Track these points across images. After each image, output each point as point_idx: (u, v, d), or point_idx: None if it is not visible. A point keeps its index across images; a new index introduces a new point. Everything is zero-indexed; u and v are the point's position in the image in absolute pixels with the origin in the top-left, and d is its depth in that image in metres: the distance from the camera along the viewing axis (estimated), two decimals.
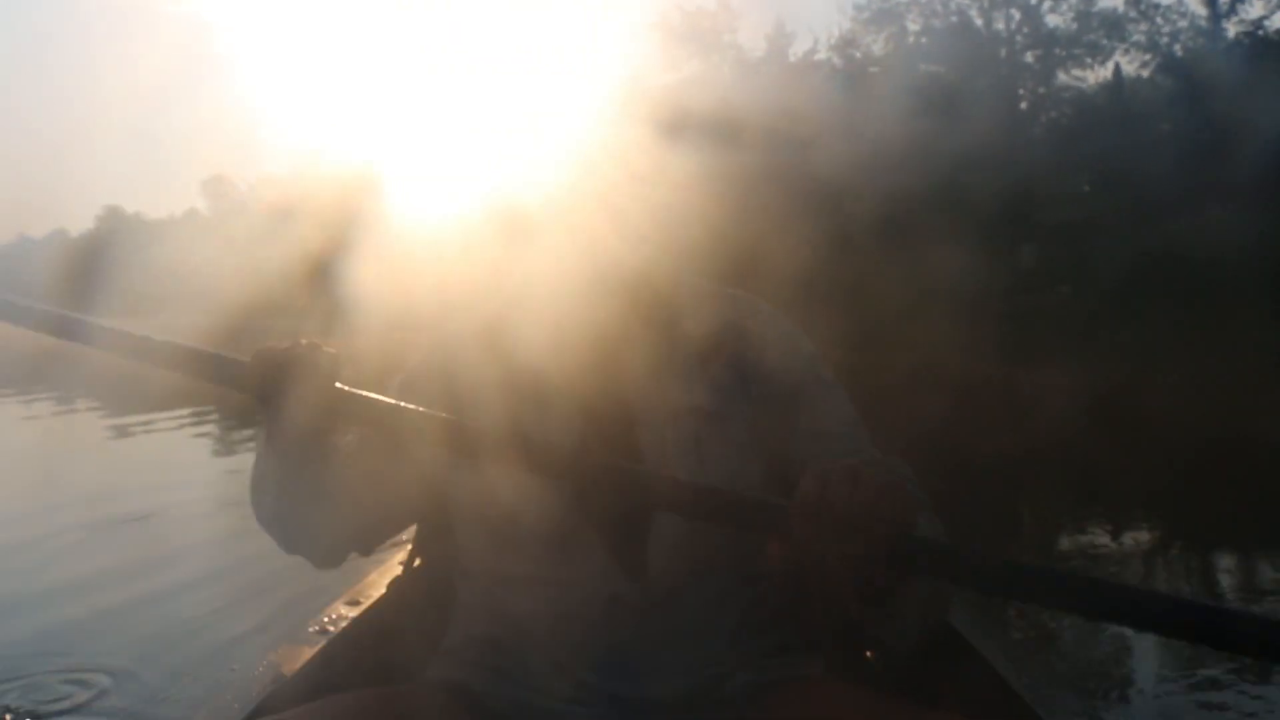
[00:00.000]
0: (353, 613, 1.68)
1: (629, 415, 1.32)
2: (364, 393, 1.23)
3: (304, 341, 1.25)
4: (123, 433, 10.67)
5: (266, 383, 1.23)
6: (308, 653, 1.55)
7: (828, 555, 0.94)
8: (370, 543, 1.43)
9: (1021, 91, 28.96)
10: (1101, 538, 5.40)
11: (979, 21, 29.74)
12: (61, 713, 3.16)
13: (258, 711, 1.34)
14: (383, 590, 1.75)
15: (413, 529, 1.73)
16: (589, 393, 1.30)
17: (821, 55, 28.89)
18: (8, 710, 3.17)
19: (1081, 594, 1.00)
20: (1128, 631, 3.91)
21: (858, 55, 28.00)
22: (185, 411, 11.00)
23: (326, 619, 1.65)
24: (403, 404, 1.22)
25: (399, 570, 1.73)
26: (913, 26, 29.93)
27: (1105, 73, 27.93)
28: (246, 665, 1.52)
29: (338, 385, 1.23)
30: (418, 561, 1.73)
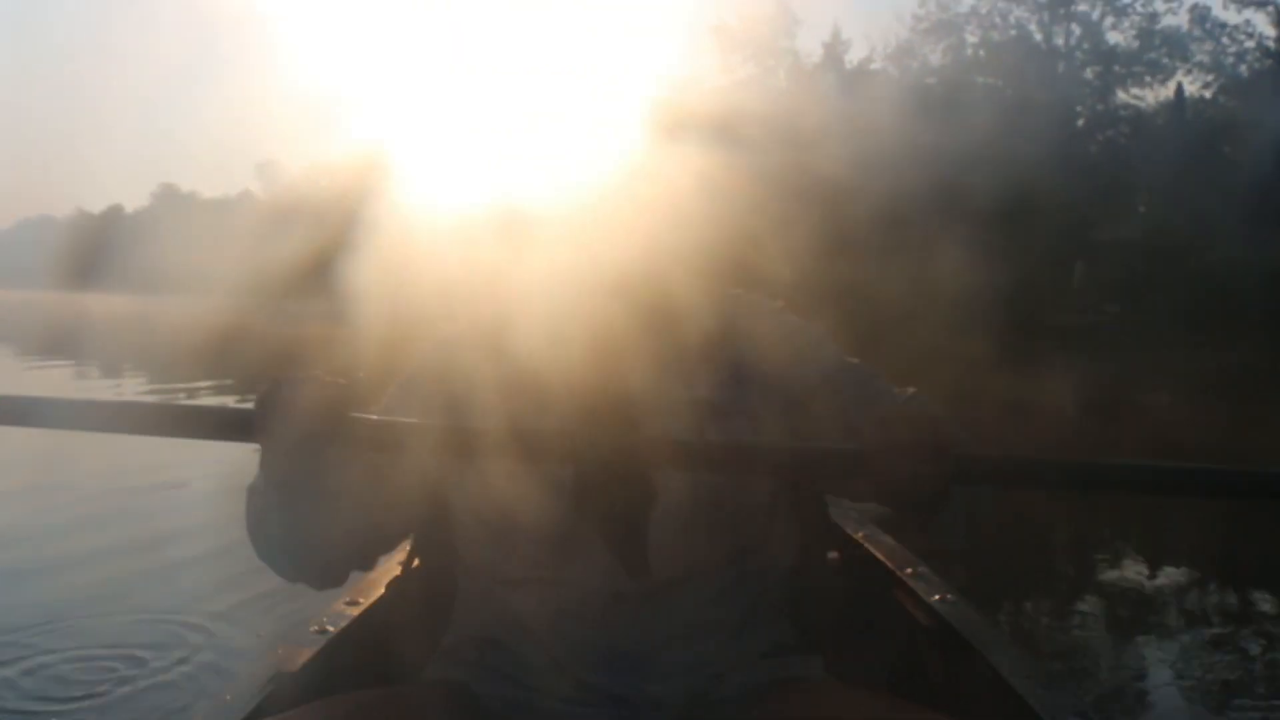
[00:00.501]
0: (353, 613, 1.67)
1: (630, 414, 1.30)
2: (378, 418, 1.22)
3: (312, 374, 1.22)
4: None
5: (276, 416, 1.18)
6: (308, 653, 1.53)
7: (903, 483, 1.13)
8: (373, 552, 1.42)
9: (1079, 108, 28.66)
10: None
11: (1038, 36, 29.50)
12: (61, 713, 3.15)
13: (258, 711, 1.33)
14: (383, 590, 1.74)
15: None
16: (590, 392, 1.28)
17: (877, 64, 28.78)
18: (6, 711, 3.17)
19: (1100, 475, 1.24)
20: (1128, 631, 3.98)
21: (914, 65, 27.85)
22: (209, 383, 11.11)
23: (326, 619, 1.63)
24: (415, 422, 1.22)
25: (399, 570, 1.72)
26: (971, 39, 29.77)
27: (1166, 92, 27.58)
28: (246, 665, 1.50)
29: (354, 415, 1.20)
30: (417, 561, 1.73)
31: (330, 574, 1.37)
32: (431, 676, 1.37)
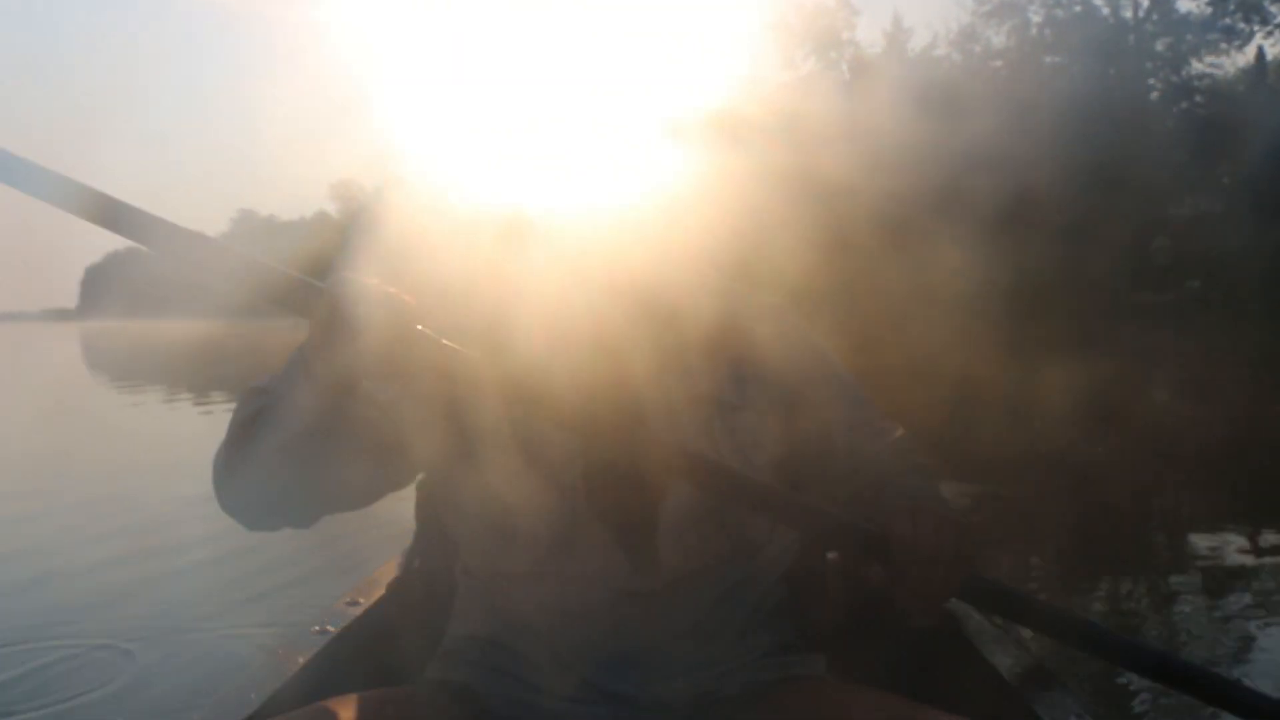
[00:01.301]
0: (353, 613, 1.67)
1: (632, 412, 1.29)
2: (444, 340, 1.13)
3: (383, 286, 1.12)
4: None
5: (340, 313, 1.08)
6: (308, 653, 1.54)
7: (916, 583, 1.13)
8: (359, 503, 1.28)
9: (1153, 81, 27.88)
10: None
11: (1105, 10, 28.75)
12: (60, 713, 3.16)
13: (258, 712, 1.33)
14: (383, 590, 1.74)
15: (412, 529, 1.71)
16: (591, 390, 1.26)
17: (940, 51, 28.34)
18: (5, 712, 3.18)
19: (1114, 649, 1.26)
20: (1128, 630, 3.86)
21: (977, 49, 27.38)
22: None
23: (326, 619, 1.64)
24: (477, 352, 1.15)
25: (399, 570, 1.72)
26: (1035, 18, 29.13)
27: (1245, 58, 26.66)
28: (246, 665, 1.51)
29: (419, 328, 1.12)
30: (417, 562, 1.73)
31: (297, 513, 1.25)
32: (432, 676, 1.37)
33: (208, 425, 11.50)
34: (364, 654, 1.62)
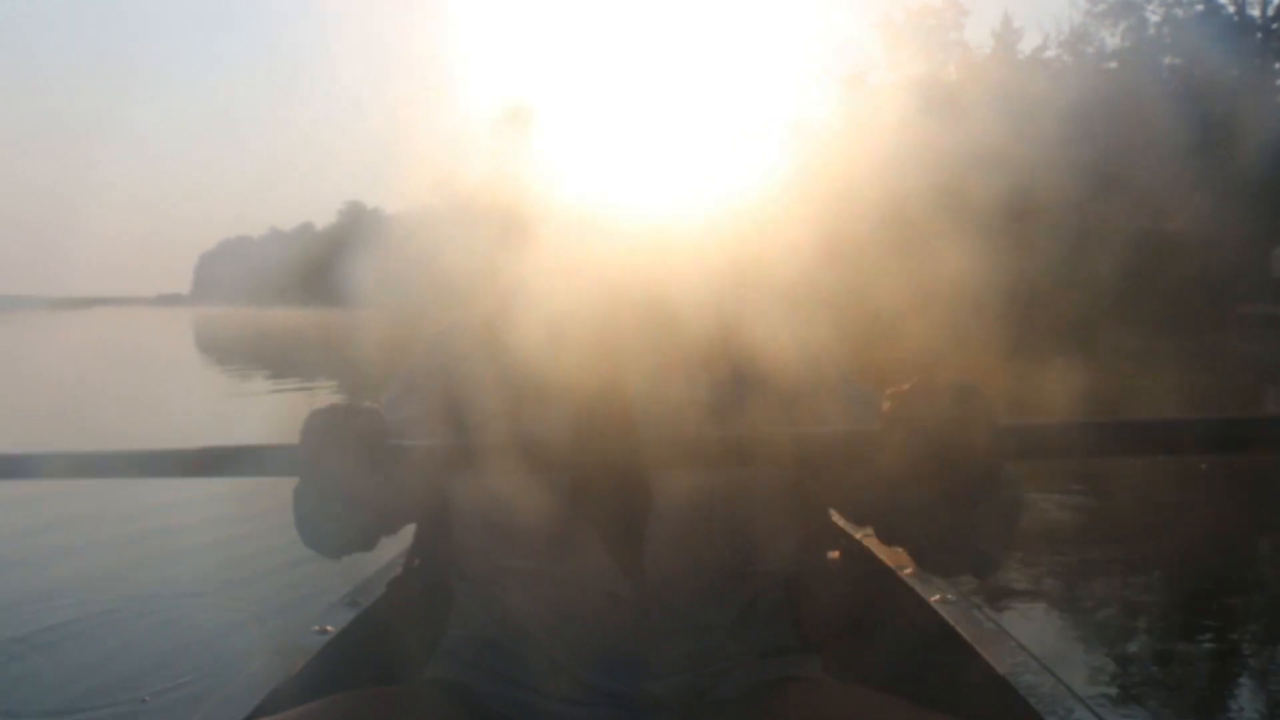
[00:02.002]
0: (353, 613, 1.69)
1: (630, 413, 1.29)
2: (412, 443, 1.24)
3: (344, 405, 1.24)
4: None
5: (322, 453, 1.20)
6: (308, 653, 1.55)
7: (932, 459, 1.04)
8: (395, 527, 1.43)
9: None
10: None
11: (1230, 8, 27.64)
12: (59, 712, 3.19)
13: (258, 711, 1.34)
14: (383, 590, 1.74)
15: (412, 529, 1.69)
16: (589, 391, 1.27)
17: (1051, 52, 27.58)
18: (7, 713, 3.21)
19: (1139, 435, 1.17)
20: (1129, 629, 3.98)
21: (1090, 50, 26.59)
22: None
23: (326, 619, 1.65)
24: (438, 444, 1.25)
25: (399, 570, 1.71)
26: (1153, 17, 28.14)
27: None
28: (247, 665, 1.53)
29: (389, 443, 1.21)
30: (417, 562, 1.71)
31: (369, 544, 1.38)
32: (431, 676, 1.37)
33: (272, 407, 11.86)
34: (364, 654, 1.64)
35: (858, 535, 1.91)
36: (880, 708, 1.23)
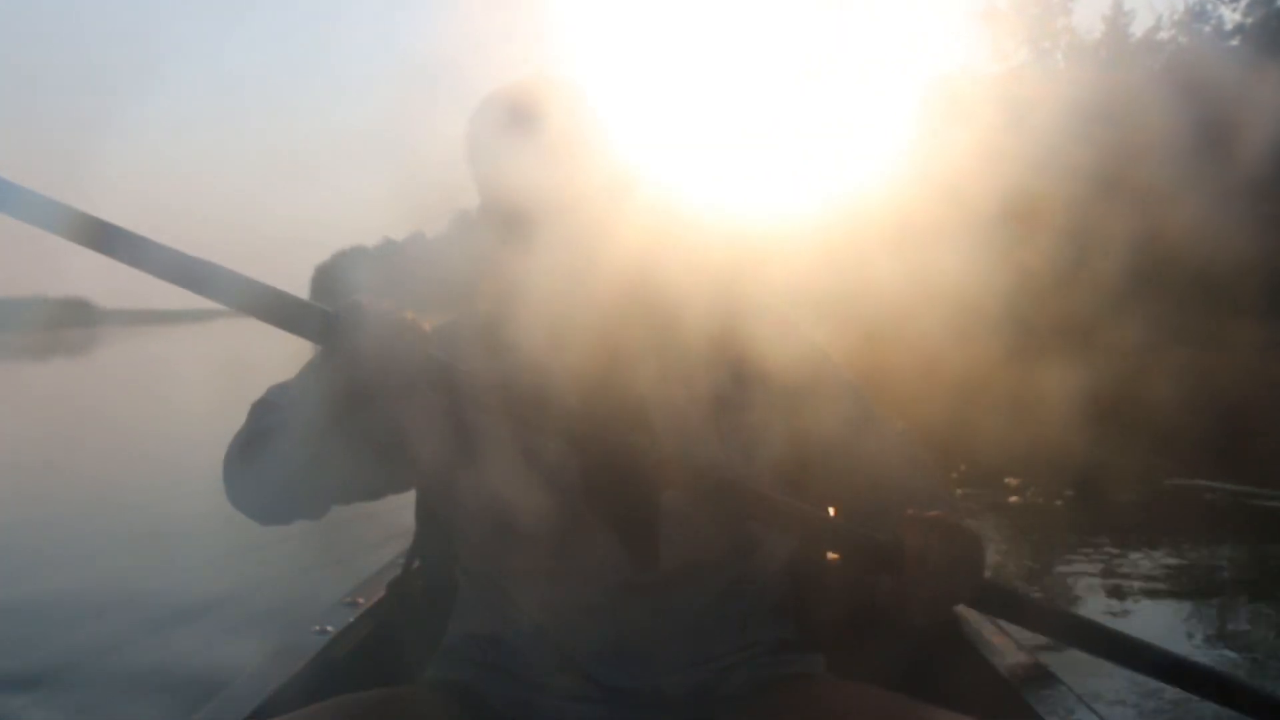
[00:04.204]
0: (353, 613, 1.68)
1: (630, 413, 1.29)
2: (447, 361, 1.16)
3: (391, 306, 1.16)
4: None
5: (363, 334, 1.12)
6: (308, 653, 1.54)
7: (928, 593, 1.14)
8: (354, 498, 1.33)
9: None
10: None
11: None
12: (58, 712, 3.18)
13: (258, 712, 1.33)
14: (383, 590, 1.74)
15: (412, 529, 1.69)
16: (590, 391, 1.27)
17: (1165, 34, 26.57)
18: (4, 713, 3.20)
19: (1120, 650, 1.29)
20: (1128, 630, 3.72)
21: (1207, 29, 25.60)
22: None
23: (326, 619, 1.65)
24: (483, 370, 1.19)
25: (399, 570, 1.71)
26: None
27: None
28: (247, 665, 1.52)
29: (431, 354, 1.15)
30: (417, 562, 1.72)
31: (308, 509, 1.29)
32: (432, 675, 1.37)
33: None
34: (364, 654, 1.63)
35: None
36: (882, 705, 1.23)
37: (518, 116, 1.30)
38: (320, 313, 1.14)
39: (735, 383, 1.32)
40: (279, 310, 1.15)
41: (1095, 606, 4.25)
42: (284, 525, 1.31)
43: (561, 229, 1.26)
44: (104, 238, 1.14)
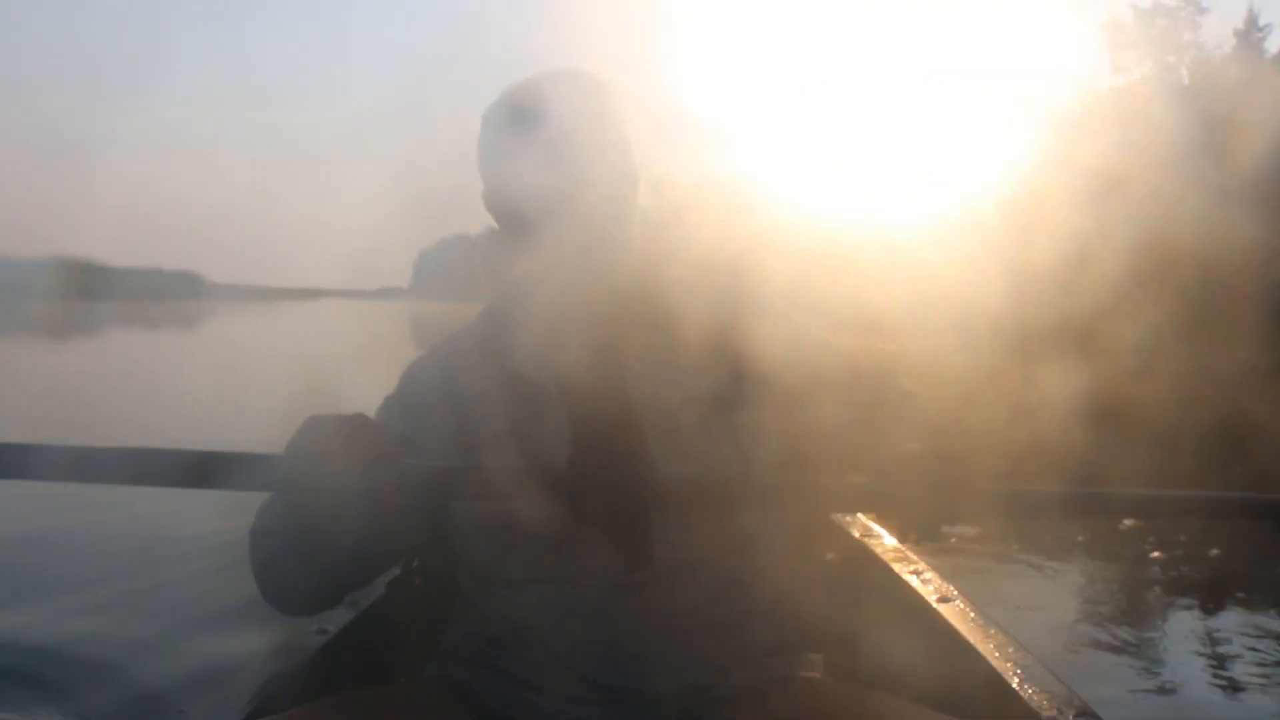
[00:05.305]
0: (352, 613, 1.68)
1: (628, 413, 1.30)
2: (419, 462, 1.18)
3: (350, 415, 1.18)
4: None
5: (323, 463, 1.13)
6: (308, 653, 1.55)
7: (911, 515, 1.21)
8: (376, 574, 1.42)
9: None
10: None
11: None
12: (56, 711, 3.16)
13: (258, 711, 1.33)
14: (383, 590, 1.74)
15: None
16: (588, 392, 1.28)
17: None
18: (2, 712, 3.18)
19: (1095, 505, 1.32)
20: (1127, 631, 3.93)
21: None
22: None
23: (326, 619, 1.64)
24: (443, 466, 1.22)
25: (399, 570, 1.72)
26: None
27: None
28: (246, 665, 1.52)
29: (405, 461, 1.17)
30: (417, 562, 1.73)
31: (340, 597, 1.38)
32: (431, 675, 1.37)
33: None
34: (364, 653, 1.63)
35: (857, 536, 1.94)
36: (880, 707, 1.23)
37: (517, 115, 1.30)
38: (260, 462, 1.16)
39: (735, 381, 1.32)
40: (220, 470, 1.18)
41: (1089, 607, 4.25)
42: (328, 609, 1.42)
43: (567, 230, 1.26)
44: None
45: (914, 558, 1.88)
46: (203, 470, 1.20)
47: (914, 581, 1.78)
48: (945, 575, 1.81)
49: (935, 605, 1.67)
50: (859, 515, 2.00)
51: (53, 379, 14.96)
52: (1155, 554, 5.06)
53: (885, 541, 1.95)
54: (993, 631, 1.59)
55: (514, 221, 1.31)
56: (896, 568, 1.84)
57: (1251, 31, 26.72)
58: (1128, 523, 5.62)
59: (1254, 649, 3.69)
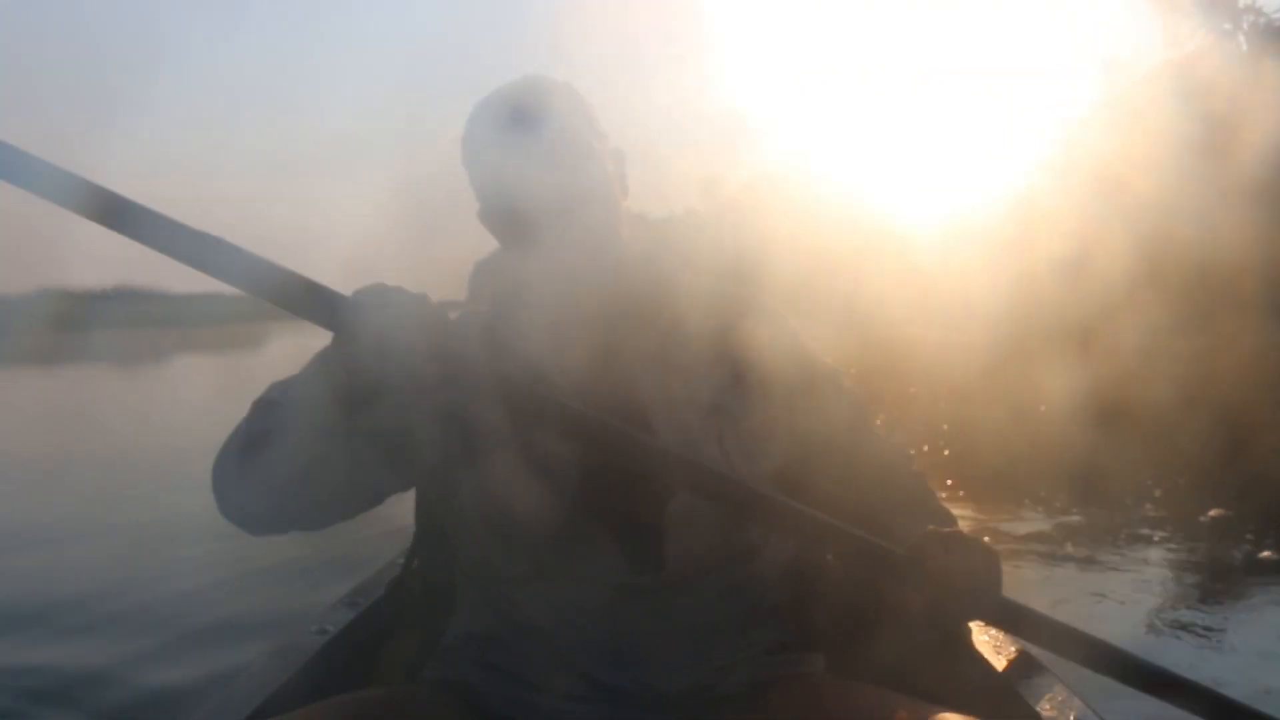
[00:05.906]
0: (352, 613, 1.68)
1: (631, 418, 1.28)
2: (470, 357, 1.14)
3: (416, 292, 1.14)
4: None
5: (380, 321, 1.09)
6: (308, 653, 1.54)
7: (945, 607, 1.20)
8: (355, 510, 1.30)
9: None
10: None
11: None
12: (58, 712, 3.18)
13: (258, 712, 1.33)
14: (383, 590, 1.74)
15: (412, 529, 1.68)
16: (591, 396, 1.26)
17: None
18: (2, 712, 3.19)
19: (1122, 666, 1.38)
20: (1130, 629, 3.90)
21: None
22: None
23: (326, 619, 1.64)
24: (491, 366, 1.16)
25: (398, 570, 1.71)
26: None
27: None
28: (247, 665, 1.52)
29: (444, 343, 1.13)
30: (417, 562, 1.71)
31: (308, 516, 1.26)
32: (432, 675, 1.37)
33: None
34: (364, 654, 1.63)
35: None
36: (882, 706, 1.23)
37: (512, 119, 1.29)
38: (332, 294, 1.11)
39: (735, 386, 1.32)
40: (289, 291, 1.11)
41: (1081, 609, 4.26)
42: (279, 535, 1.27)
43: (558, 231, 1.25)
44: (114, 212, 1.09)
45: None
46: (270, 282, 1.11)
47: None
48: None
49: None
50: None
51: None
52: (1154, 554, 5.08)
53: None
54: (993, 631, 1.58)
55: (516, 228, 1.30)
56: None
57: None
58: (1127, 523, 5.66)
59: (1255, 649, 3.69)
